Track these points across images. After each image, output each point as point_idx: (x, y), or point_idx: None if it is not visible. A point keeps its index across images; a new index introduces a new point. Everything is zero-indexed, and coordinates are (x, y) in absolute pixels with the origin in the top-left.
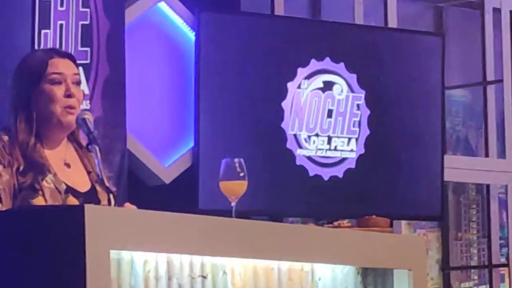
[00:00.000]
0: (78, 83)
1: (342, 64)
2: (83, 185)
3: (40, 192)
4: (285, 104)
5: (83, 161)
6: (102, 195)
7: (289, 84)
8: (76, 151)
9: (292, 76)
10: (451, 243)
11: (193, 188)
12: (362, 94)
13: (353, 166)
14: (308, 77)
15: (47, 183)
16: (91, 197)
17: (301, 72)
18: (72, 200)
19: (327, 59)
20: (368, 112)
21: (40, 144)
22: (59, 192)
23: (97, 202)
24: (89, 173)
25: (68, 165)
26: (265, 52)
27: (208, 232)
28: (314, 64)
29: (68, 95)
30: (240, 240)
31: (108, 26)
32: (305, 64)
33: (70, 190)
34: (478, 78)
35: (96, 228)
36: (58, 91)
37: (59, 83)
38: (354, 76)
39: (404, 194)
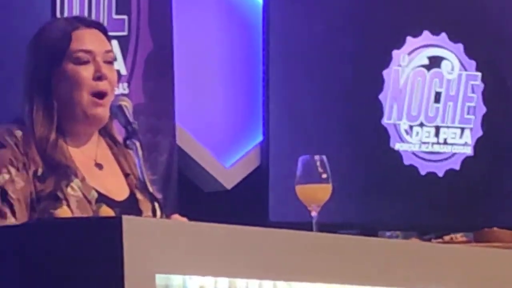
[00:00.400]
0: (111, 61)
1: (444, 35)
2: (120, 192)
3: (64, 202)
4: (382, 96)
5: (119, 160)
6: (144, 204)
7: (394, 52)
8: (110, 148)
9: (393, 47)
10: None
11: (261, 194)
12: (478, 73)
13: (468, 164)
14: (410, 52)
15: (73, 190)
16: (130, 207)
17: (407, 43)
18: (106, 211)
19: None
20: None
21: (63, 140)
22: (89, 201)
23: (138, 213)
24: (126, 176)
25: (99, 166)
26: (353, 20)
27: (281, 250)
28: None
29: (98, 77)
30: (323, 260)
31: None
32: (412, 34)
33: (102, 199)
34: None
35: (137, 247)
36: (85, 72)
37: (86, 62)
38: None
39: None
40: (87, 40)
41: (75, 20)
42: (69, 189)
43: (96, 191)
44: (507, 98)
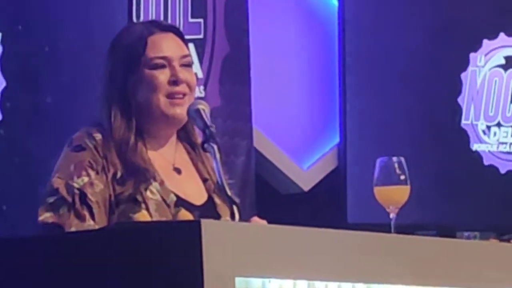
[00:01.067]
0: (188, 65)
1: None
2: (198, 196)
3: (143, 205)
4: (461, 98)
5: (197, 165)
6: (222, 208)
7: (472, 55)
8: (188, 153)
9: (470, 49)
10: None
11: (339, 196)
12: None
13: None
14: (486, 53)
15: (152, 193)
16: (209, 211)
17: (484, 46)
18: (185, 215)
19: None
20: None
21: (142, 143)
22: (167, 205)
23: (217, 217)
24: (205, 181)
25: (178, 171)
26: (429, 22)
27: (360, 252)
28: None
29: (174, 82)
30: (401, 262)
31: None
32: (488, 37)
33: (181, 203)
34: None
35: (216, 250)
36: (161, 76)
37: (163, 66)
38: None
39: None
40: (163, 45)
41: (151, 24)
42: (148, 193)
43: (175, 195)
44: None
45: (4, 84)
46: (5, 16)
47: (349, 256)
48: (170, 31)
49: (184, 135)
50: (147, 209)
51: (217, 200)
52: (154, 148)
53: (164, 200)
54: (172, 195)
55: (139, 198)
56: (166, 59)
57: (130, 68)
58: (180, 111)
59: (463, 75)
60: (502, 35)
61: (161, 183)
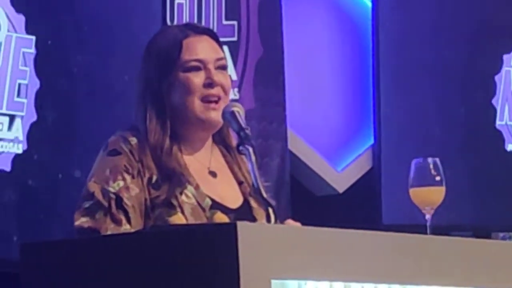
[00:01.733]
0: (223, 67)
1: None
2: (233, 200)
3: (179, 209)
4: (495, 100)
5: (233, 168)
6: (258, 212)
7: (505, 57)
8: (224, 156)
9: (503, 51)
10: None
11: (374, 197)
12: None
13: None
14: None
15: (187, 197)
16: (244, 214)
17: None
18: (221, 218)
19: None
20: None
21: (177, 147)
22: (203, 209)
23: (252, 220)
24: (240, 183)
25: (213, 174)
26: (464, 21)
27: (396, 253)
28: None
29: (209, 84)
30: (439, 263)
31: None
32: None
33: (217, 206)
34: None
35: (252, 252)
36: (196, 78)
37: (197, 69)
38: None
39: None
40: (198, 48)
41: (186, 27)
42: (183, 197)
43: (210, 198)
44: None
45: (38, 85)
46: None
47: (384, 257)
48: (205, 34)
49: (220, 138)
50: (183, 212)
51: (252, 203)
52: (189, 152)
53: (199, 204)
54: (208, 199)
55: (174, 202)
56: (201, 61)
57: (165, 71)
58: (215, 115)
59: (497, 77)
60: None
61: (196, 187)
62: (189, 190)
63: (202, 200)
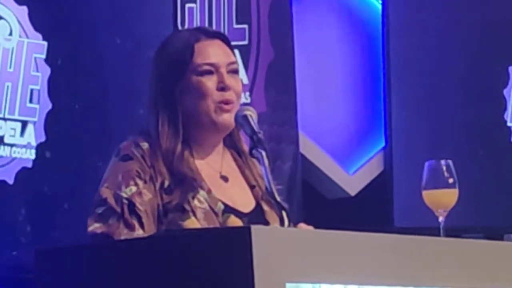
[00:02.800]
0: (235, 71)
1: None
2: (246, 204)
3: (191, 214)
4: (507, 91)
5: (244, 172)
6: (270, 215)
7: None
8: (235, 160)
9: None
10: None
11: (385, 200)
12: None
13: None
14: None
15: (200, 202)
16: (257, 218)
17: None
18: (234, 221)
19: None
20: None
21: (189, 152)
22: (215, 213)
23: (265, 224)
24: (252, 187)
25: (225, 179)
26: (477, 18)
27: (409, 256)
28: None
29: (222, 88)
30: (450, 265)
31: None
32: None
33: (229, 211)
34: None
35: (267, 255)
36: (209, 82)
37: (210, 73)
38: None
39: None
40: (210, 52)
41: (197, 31)
42: (195, 201)
43: (223, 203)
44: None
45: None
46: (52, 27)
47: (398, 260)
48: (217, 37)
49: (231, 142)
50: (195, 217)
51: (265, 206)
52: (201, 156)
53: (212, 209)
54: (220, 204)
55: (187, 207)
56: (213, 65)
57: (177, 75)
58: (228, 117)
59: (505, 91)
60: None
61: (209, 192)
62: (202, 194)
63: (215, 205)
